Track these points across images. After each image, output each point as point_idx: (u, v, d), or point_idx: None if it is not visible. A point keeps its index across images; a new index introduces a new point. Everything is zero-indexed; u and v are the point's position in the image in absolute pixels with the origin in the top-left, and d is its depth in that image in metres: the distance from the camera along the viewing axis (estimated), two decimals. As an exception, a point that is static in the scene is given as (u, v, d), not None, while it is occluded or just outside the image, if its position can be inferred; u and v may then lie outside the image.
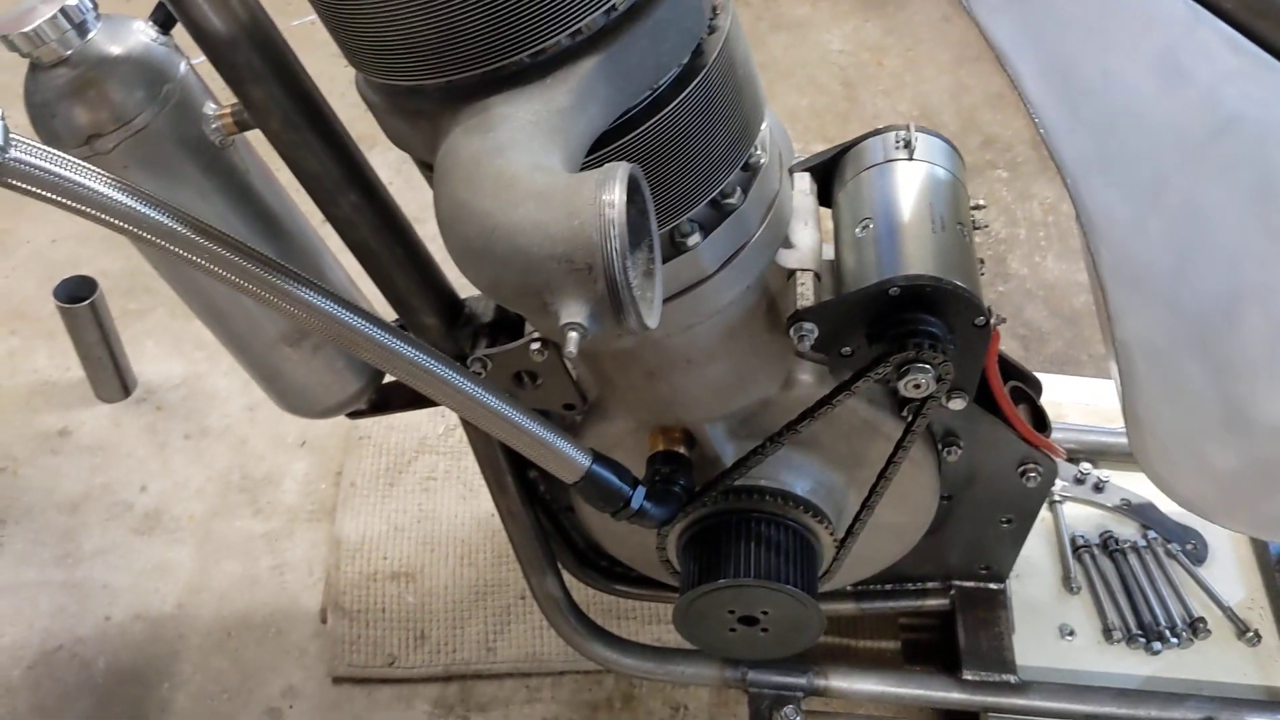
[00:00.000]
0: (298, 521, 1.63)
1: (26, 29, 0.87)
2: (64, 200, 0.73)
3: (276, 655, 1.49)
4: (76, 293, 1.63)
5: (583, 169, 0.74)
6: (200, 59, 0.88)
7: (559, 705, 1.45)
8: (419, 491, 1.62)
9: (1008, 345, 1.97)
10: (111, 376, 1.73)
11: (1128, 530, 1.44)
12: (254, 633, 1.51)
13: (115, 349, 1.71)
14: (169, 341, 1.85)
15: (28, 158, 0.70)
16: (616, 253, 0.64)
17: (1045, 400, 1.57)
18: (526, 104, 0.73)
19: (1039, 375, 1.63)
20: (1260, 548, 1.43)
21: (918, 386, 0.94)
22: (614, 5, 0.74)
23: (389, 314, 1.07)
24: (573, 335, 0.65)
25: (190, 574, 1.57)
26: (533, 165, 0.69)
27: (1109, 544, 1.42)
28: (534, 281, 0.67)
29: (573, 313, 0.66)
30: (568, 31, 0.73)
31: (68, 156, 0.72)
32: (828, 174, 1.09)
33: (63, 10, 0.87)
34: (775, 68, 2.51)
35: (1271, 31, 0.79)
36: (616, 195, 0.64)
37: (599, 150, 0.79)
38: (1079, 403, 1.59)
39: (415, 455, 1.66)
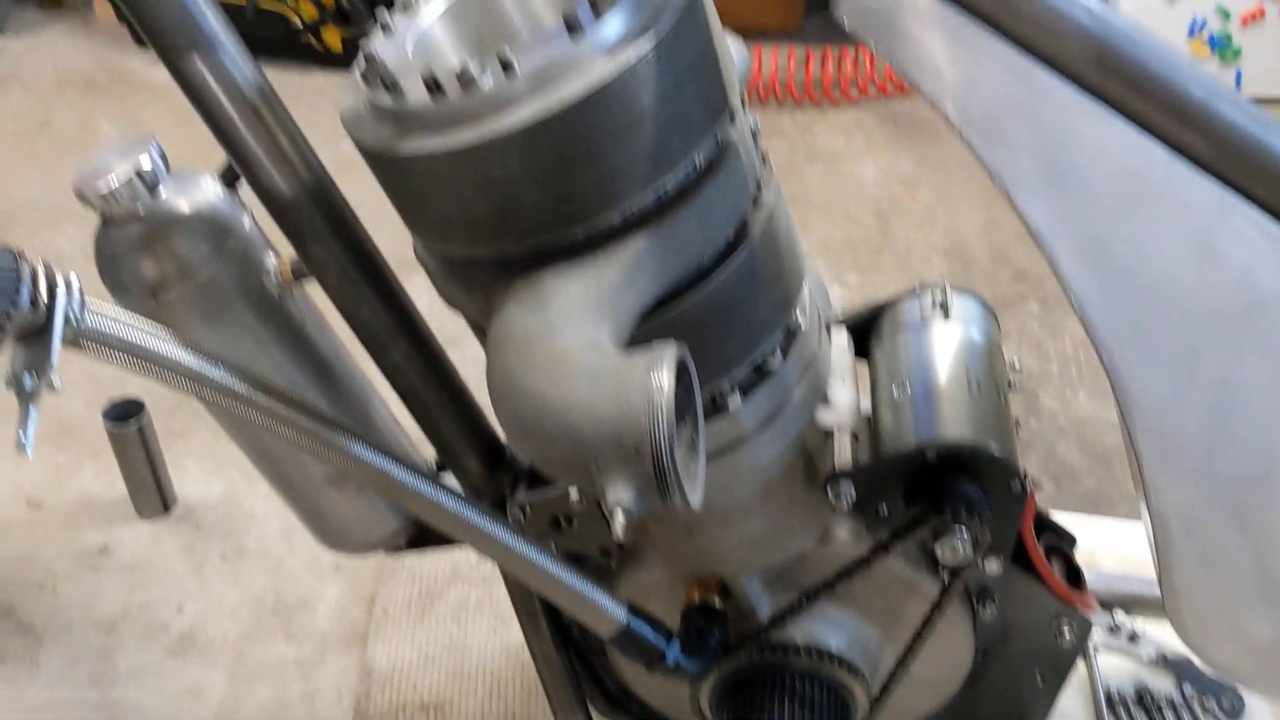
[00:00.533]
0: (329, 647, 1.63)
1: (102, 189, 0.91)
2: (134, 362, 0.77)
3: (304, 785, 1.49)
4: (124, 413, 1.67)
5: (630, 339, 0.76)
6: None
7: (585, 846, 1.43)
8: (450, 621, 1.62)
9: (1039, 483, 1.97)
10: (153, 495, 1.76)
11: (1163, 683, 1.42)
12: (282, 761, 1.51)
13: (158, 469, 1.75)
14: (210, 461, 1.88)
15: (102, 325, 0.73)
16: (664, 436, 0.66)
17: (1078, 546, 1.56)
18: (578, 279, 0.75)
19: (1070, 514, 1.63)
20: (1300, 705, 1.41)
21: (954, 551, 0.95)
22: (664, 187, 0.77)
23: (428, 449, 1.10)
24: (620, 516, 0.67)
25: (222, 698, 1.57)
26: (584, 342, 0.71)
27: (1144, 698, 1.40)
28: (582, 459, 0.69)
29: (619, 492, 0.68)
30: (619, 211, 0.76)
31: (139, 322, 0.76)
32: (865, 330, 1.11)
33: (137, 172, 0.91)
34: (809, 199, 2.56)
35: (1303, 217, 0.82)
36: (665, 379, 0.67)
37: (646, 321, 0.81)
38: (1112, 549, 1.59)
39: (448, 584, 1.67)
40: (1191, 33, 2.92)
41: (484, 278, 0.80)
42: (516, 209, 0.75)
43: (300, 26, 2.82)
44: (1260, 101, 2.90)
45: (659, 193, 0.77)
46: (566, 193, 0.74)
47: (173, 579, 1.71)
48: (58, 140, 2.68)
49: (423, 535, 1.24)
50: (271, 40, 2.82)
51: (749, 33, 3.22)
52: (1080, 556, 1.56)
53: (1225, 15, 2.88)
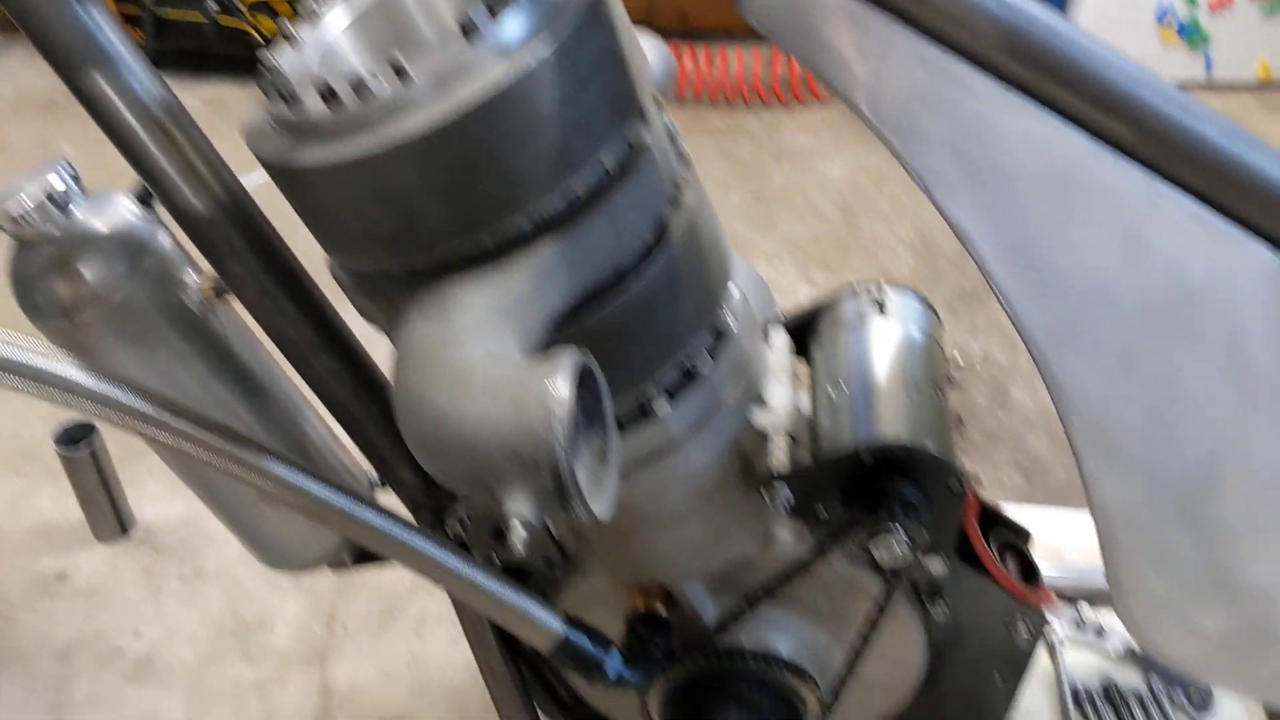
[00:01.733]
0: (289, 667, 1.61)
1: (12, 212, 0.89)
2: (39, 388, 0.75)
3: (263, 809, 1.47)
4: (75, 437, 1.65)
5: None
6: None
7: None
8: (411, 635, 1.60)
9: (1009, 476, 1.96)
10: (109, 518, 1.74)
11: (1130, 677, 1.41)
12: (241, 785, 1.49)
13: (114, 491, 1.72)
14: (168, 481, 1.83)
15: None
16: (562, 448, 0.64)
17: (1044, 540, 1.55)
18: (484, 289, 0.74)
19: (1040, 508, 1.62)
20: (1268, 696, 1.39)
21: (892, 552, 0.93)
22: (573, 191, 0.75)
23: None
24: (519, 529, 0.65)
25: (179, 723, 1.55)
26: (486, 354, 0.69)
27: (1110, 693, 1.39)
28: (483, 475, 0.67)
29: (519, 507, 0.66)
30: (526, 217, 0.74)
31: (40, 348, 0.74)
32: (804, 329, 1.10)
33: (48, 194, 0.89)
34: (776, 197, 2.54)
35: (1233, 203, 0.80)
36: (562, 389, 0.65)
37: (564, 327, 0.79)
38: (1080, 542, 1.57)
39: (409, 596, 1.65)
40: (1159, 19, 2.91)
41: (393, 289, 0.78)
42: (418, 218, 0.73)
43: (261, 43, 2.80)
44: (1230, 87, 2.89)
45: (568, 197, 0.75)
46: (468, 200, 0.72)
47: (130, 604, 1.69)
48: (15, 162, 2.66)
49: (366, 551, 1.22)
50: (233, 57, 2.81)
51: (716, 34, 3.21)
52: (1046, 550, 1.55)
53: (1193, 1, 2.87)
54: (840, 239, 2.44)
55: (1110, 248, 0.81)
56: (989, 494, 1.17)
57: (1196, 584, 0.95)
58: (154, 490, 1.84)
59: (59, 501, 1.83)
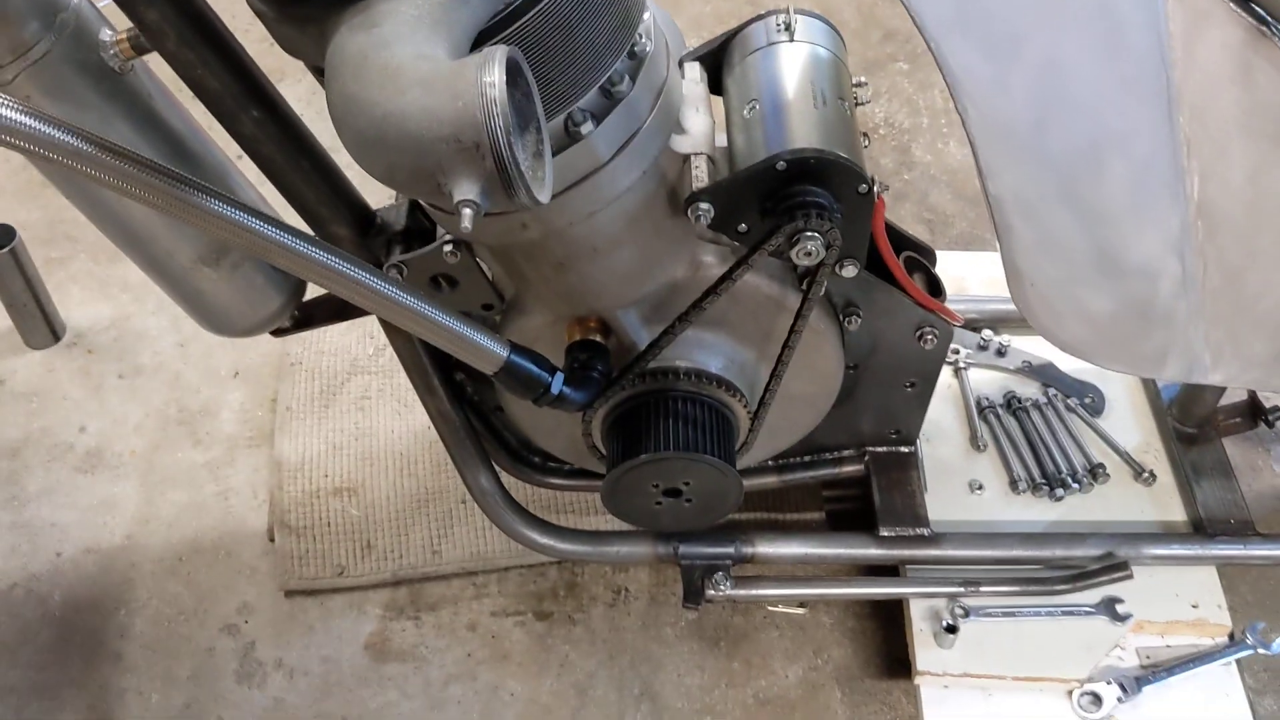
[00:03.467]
0: (238, 448, 1.66)
1: (-86, -30, 0.88)
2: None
3: (228, 575, 1.54)
4: (-4, 242, 1.64)
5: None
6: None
7: (506, 598, 1.51)
8: (354, 411, 1.66)
9: (915, 230, 2.04)
10: (40, 324, 1.75)
11: (1030, 390, 1.53)
12: (204, 557, 1.56)
13: (41, 296, 1.73)
14: (94, 286, 1.86)
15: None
16: (500, 130, 0.68)
17: (950, 275, 1.63)
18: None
19: (945, 252, 1.70)
20: (1153, 394, 1.52)
21: (808, 254, 0.99)
22: (492, -100, 0.77)
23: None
24: (467, 211, 0.70)
25: (136, 506, 1.60)
26: (416, 55, 0.73)
27: (1012, 403, 1.50)
28: (426, 164, 0.71)
29: (465, 190, 0.71)
30: (445, -70, 0.76)
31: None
32: (717, 62, 1.13)
33: (-50, -51, 0.88)
34: (678, -24, 2.53)
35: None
36: (496, 75, 0.69)
37: (485, 42, 0.82)
38: (980, 275, 1.67)
39: (348, 377, 1.70)
40: None
41: (316, 12, 0.80)
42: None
43: None
44: None
45: (485, -93, 0.77)
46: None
47: (71, 402, 1.72)
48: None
49: (308, 315, 1.26)
50: None
51: None
52: (952, 283, 1.64)
53: None
54: (742, 15, 2.43)
55: (998, -62, 0.86)
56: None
57: (1085, 267, 1.03)
58: (80, 296, 1.84)
59: (-15, 314, 1.83)
